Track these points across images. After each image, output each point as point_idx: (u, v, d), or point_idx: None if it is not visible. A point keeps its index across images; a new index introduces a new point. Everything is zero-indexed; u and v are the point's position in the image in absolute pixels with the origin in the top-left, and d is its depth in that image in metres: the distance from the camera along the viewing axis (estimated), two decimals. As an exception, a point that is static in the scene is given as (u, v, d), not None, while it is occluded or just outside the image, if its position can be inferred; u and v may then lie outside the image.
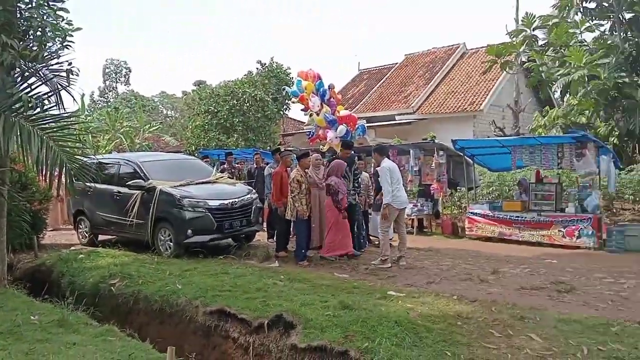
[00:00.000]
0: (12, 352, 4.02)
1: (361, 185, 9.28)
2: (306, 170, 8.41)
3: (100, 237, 10.54)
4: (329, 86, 10.11)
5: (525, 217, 10.18)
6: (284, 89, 18.21)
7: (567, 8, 12.66)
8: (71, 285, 7.56)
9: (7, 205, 7.35)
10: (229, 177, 10.84)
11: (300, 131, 25.46)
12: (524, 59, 14.08)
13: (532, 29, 13.27)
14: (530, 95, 21.16)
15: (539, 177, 10.96)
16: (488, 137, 17.47)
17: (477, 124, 21.33)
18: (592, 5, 12.65)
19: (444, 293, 6.08)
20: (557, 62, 12.47)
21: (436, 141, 13.43)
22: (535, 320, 4.92)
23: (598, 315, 5.11)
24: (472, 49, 25.56)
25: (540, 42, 13.45)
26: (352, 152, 9.12)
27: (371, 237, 9.95)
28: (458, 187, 12.99)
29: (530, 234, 10.02)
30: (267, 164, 11.47)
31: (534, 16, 13.22)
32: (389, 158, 8.44)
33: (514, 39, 13.48)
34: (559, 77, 11.97)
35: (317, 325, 4.79)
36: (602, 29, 13.22)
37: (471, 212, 11.14)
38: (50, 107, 6.74)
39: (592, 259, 8.45)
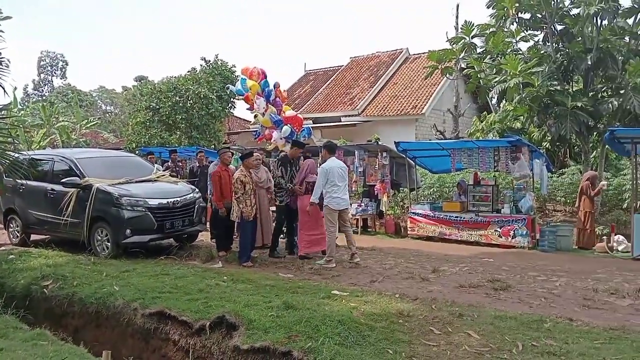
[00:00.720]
0: None
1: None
2: (250, 170, 8.31)
3: (33, 237, 10.02)
4: (274, 85, 10.02)
5: (464, 218, 10.53)
6: (228, 88, 17.92)
7: (504, 18, 13.18)
8: (0, 288, 7.13)
9: None
10: (171, 176, 10.57)
11: (246, 130, 25.20)
12: (463, 66, 14.56)
13: (470, 36, 13.72)
14: (469, 101, 21.95)
15: (477, 179, 11.37)
16: (429, 140, 17.97)
17: (419, 127, 21.87)
18: (527, 16, 13.22)
19: (386, 292, 6.18)
20: (494, 69, 12.96)
21: (380, 143, 13.68)
22: (473, 318, 5.08)
23: (532, 312, 5.33)
24: (414, 54, 26.18)
25: (479, 50, 13.94)
26: (301, 151, 9.10)
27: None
28: (401, 188, 13.27)
29: (469, 233, 10.38)
30: (211, 162, 11.27)
31: (473, 24, 13.69)
32: (336, 157, 8.50)
33: (454, 45, 13.90)
34: (495, 84, 12.45)
35: (260, 326, 4.74)
36: (536, 39, 13.86)
37: (413, 212, 11.41)
38: (-22, 100, 6.33)
39: (526, 257, 8.85)
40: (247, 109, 10.36)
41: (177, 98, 21.30)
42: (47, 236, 10.01)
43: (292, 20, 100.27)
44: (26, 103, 38.23)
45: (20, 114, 26.46)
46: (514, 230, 9.80)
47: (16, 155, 6.89)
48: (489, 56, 13.68)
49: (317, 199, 8.01)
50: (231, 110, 25.12)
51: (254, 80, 9.83)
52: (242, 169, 8.29)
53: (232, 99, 23.20)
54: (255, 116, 9.95)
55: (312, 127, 15.91)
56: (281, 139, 9.80)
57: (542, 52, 13.08)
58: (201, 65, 24.81)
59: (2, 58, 6.31)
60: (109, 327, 5.99)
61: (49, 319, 6.24)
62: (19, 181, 8.88)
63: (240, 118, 30.30)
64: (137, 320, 5.70)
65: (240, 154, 9.37)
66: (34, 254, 8.30)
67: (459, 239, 10.48)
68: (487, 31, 13.45)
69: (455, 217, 10.67)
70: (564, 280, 7.01)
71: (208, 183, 10.56)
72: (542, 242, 9.70)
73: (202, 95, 21.51)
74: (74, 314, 6.33)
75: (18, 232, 10.00)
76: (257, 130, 10.38)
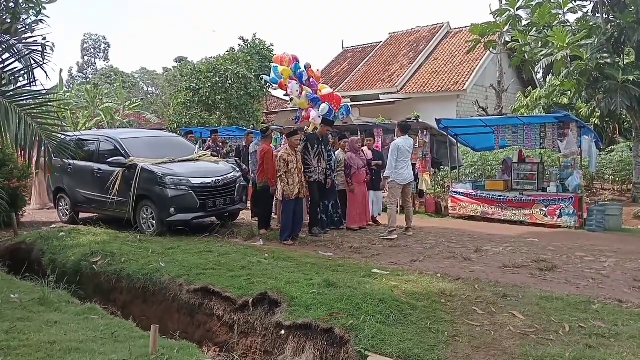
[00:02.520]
0: (-8, 332, 3.95)
1: (334, 164, 9.28)
2: (295, 149, 8.31)
3: (82, 215, 10.38)
4: (305, 66, 9.93)
5: (508, 197, 10.27)
6: (262, 78, 17.92)
7: (551, -12, 12.61)
8: (52, 264, 7.45)
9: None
10: (212, 155, 10.72)
11: (284, 109, 25.22)
12: (507, 39, 14.04)
13: (515, 8, 13.17)
14: (513, 76, 21.27)
15: (522, 157, 11.04)
16: (471, 117, 17.54)
17: (461, 104, 21.39)
18: (576, -15, 12.64)
19: (427, 271, 6.13)
20: (540, 42, 12.43)
21: (420, 120, 13.43)
22: (517, 298, 4.98)
23: (579, 293, 5.19)
24: (455, 29, 25.49)
25: (524, 22, 13.38)
26: (330, 129, 9.09)
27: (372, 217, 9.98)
28: (442, 166, 13.05)
29: (513, 213, 10.13)
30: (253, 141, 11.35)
31: (519, -5, 13.16)
32: (408, 136, 8.92)
33: (497, 18, 13.38)
34: (541, 58, 11.96)
35: (302, 303, 4.79)
36: (584, 10, 13.21)
37: (454, 191, 11.21)
38: (25, 84, 6.53)
39: (573, 237, 8.58)
40: (283, 95, 10.36)
41: (217, 78, 21.46)
42: (95, 214, 10.35)
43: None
44: (71, 85, 39.36)
45: (66, 96, 27.25)
46: (560, 210, 9.51)
47: (63, 136, 7.07)
48: (534, 29, 13.14)
49: (390, 174, 8.54)
50: (269, 90, 25.18)
51: (285, 66, 9.78)
52: (286, 147, 8.31)
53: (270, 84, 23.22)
54: (291, 100, 9.93)
55: (350, 105, 15.76)
56: (319, 117, 9.75)
57: (591, 23, 12.46)
58: (239, 45, 24.91)
59: (47, 42, 6.47)
60: (155, 302, 6.17)
61: (99, 294, 6.48)
62: (66, 161, 9.16)
63: (278, 98, 30.34)
64: (183, 296, 5.85)
65: (279, 133, 9.41)
66: (83, 231, 8.60)
67: (503, 218, 10.24)
68: (533, 2, 12.88)
69: (499, 196, 10.42)
70: (612, 260, 6.77)
71: (250, 162, 10.65)
72: (590, 222, 9.38)
73: (240, 75, 21.62)
74: (122, 289, 6.55)
75: (67, 210, 10.37)
76: (297, 116, 10.35)
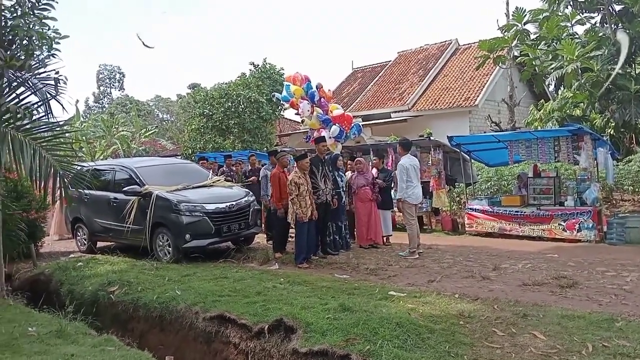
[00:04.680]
0: (9, 366, 3.97)
1: (345, 186, 9.35)
2: (305, 172, 8.34)
3: (99, 244, 10.47)
4: (316, 86, 10.02)
5: (525, 212, 10.13)
6: (274, 96, 18.13)
7: (557, 1, 12.59)
8: (70, 294, 7.50)
9: (3, 215, 7.29)
10: (226, 180, 10.78)
11: (297, 131, 25.37)
12: (516, 54, 14.01)
13: (523, 23, 13.20)
14: (524, 89, 21.15)
15: (537, 171, 10.92)
16: (485, 132, 17.44)
17: (473, 119, 21.30)
18: (582, -3, 12.62)
19: (445, 292, 6.04)
20: (549, 55, 12.40)
21: (432, 137, 13.40)
22: (538, 317, 4.88)
23: (601, 311, 5.06)
24: (464, 45, 25.53)
25: (532, 36, 13.37)
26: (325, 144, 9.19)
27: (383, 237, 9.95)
28: (456, 183, 12.94)
29: (531, 228, 9.97)
30: (263, 165, 11.41)
31: (525, 10, 13.17)
32: (410, 154, 9.05)
33: (505, 33, 13.41)
34: (552, 71, 11.91)
35: (317, 329, 4.74)
36: (592, 21, 13.17)
37: (470, 208, 11.10)
38: (40, 117, 6.67)
39: (594, 252, 8.41)
40: (295, 114, 10.45)
41: (229, 103, 21.70)
42: (112, 243, 10.43)
43: (338, 19, 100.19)
44: (88, 115, 40.13)
45: (83, 127, 27.74)
46: (579, 224, 9.34)
47: (78, 166, 7.18)
48: (543, 42, 13.12)
49: (402, 195, 8.61)
50: (281, 113, 25.39)
51: (297, 85, 9.88)
52: (296, 170, 8.34)
53: (281, 102, 23.45)
54: (303, 121, 10.02)
55: (362, 124, 15.81)
56: (330, 138, 9.80)
57: (600, 34, 12.41)
58: (250, 70, 25.21)
59: (60, 76, 6.61)
60: (172, 330, 6.16)
61: (116, 324, 6.49)
62: (83, 191, 9.28)
63: (290, 120, 30.55)
64: (199, 324, 5.84)
65: (293, 156, 9.47)
66: (101, 260, 8.67)
67: (520, 234, 10.09)
68: (540, 16, 12.90)
69: (516, 211, 10.28)
70: (635, 275, 6.60)
71: (261, 185, 10.70)
72: (610, 235, 9.19)
73: (252, 100, 21.84)
74: (139, 318, 6.55)
75: (85, 239, 10.48)
76: (307, 134, 10.42)
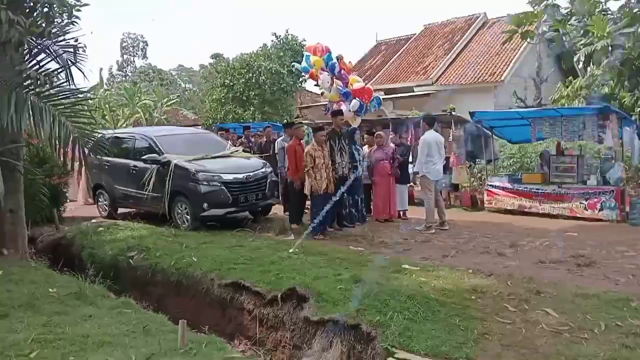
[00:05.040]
0: (30, 325, 4.11)
1: (362, 159, 9.30)
2: (322, 144, 8.31)
3: (120, 210, 10.66)
4: (337, 57, 9.88)
5: (546, 190, 9.97)
6: (293, 66, 18.01)
7: (592, -25, 12.14)
8: (91, 258, 7.71)
9: (26, 180, 7.46)
10: (245, 151, 10.82)
11: (318, 103, 25.19)
12: (545, 29, 13.59)
13: (553, -3, 12.80)
14: (553, 66, 20.57)
15: (560, 149, 10.71)
16: (510, 108, 17.09)
17: (498, 95, 20.86)
18: (619, -29, 12.12)
19: (459, 267, 6.01)
20: (580, 31, 12.01)
21: (455, 113, 13.18)
22: (552, 295, 4.84)
23: (617, 290, 4.99)
24: (492, 19, 24.83)
25: (563, 11, 12.93)
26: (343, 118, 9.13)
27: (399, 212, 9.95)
28: (477, 159, 12.78)
29: (551, 206, 9.83)
30: (280, 137, 11.42)
31: (557, -16, 12.74)
32: (434, 129, 9.00)
33: (535, 7, 12.99)
34: (581, 47, 11.55)
35: (329, 299, 4.80)
36: (628, -3, 12.66)
37: (490, 185, 10.97)
38: (61, 83, 6.73)
39: (614, 231, 8.27)
40: (314, 85, 10.35)
41: (250, 74, 21.67)
42: (133, 209, 10.61)
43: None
44: (112, 83, 40.47)
45: (106, 94, 28.00)
46: (601, 203, 9.16)
47: (98, 134, 7.27)
48: (574, 17, 12.70)
49: (420, 169, 8.62)
50: (302, 85, 25.24)
51: (318, 56, 9.76)
52: (313, 143, 8.34)
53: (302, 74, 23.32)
54: (322, 93, 9.92)
55: (384, 98, 15.62)
56: (350, 111, 9.71)
57: (635, 11, 11.93)
58: (272, 41, 25.04)
59: (79, 44, 6.65)
60: (188, 296, 6.30)
61: (135, 288, 6.64)
62: (104, 158, 9.43)
63: (311, 92, 30.33)
64: (215, 290, 5.95)
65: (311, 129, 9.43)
66: (121, 226, 8.83)
67: (541, 212, 9.95)
68: (572, -10, 12.46)
69: (537, 189, 10.12)
70: (656, 256, 6.49)
71: (278, 157, 10.70)
72: (633, 215, 9.00)
73: (273, 71, 21.76)
74: (157, 283, 6.71)
75: (106, 205, 10.67)
76: (326, 106, 10.35)
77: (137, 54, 52.46)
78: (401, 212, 9.90)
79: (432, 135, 8.73)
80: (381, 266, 5.95)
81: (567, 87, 17.17)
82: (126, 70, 51.42)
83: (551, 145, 11.90)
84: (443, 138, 9.31)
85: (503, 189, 10.65)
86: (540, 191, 10.05)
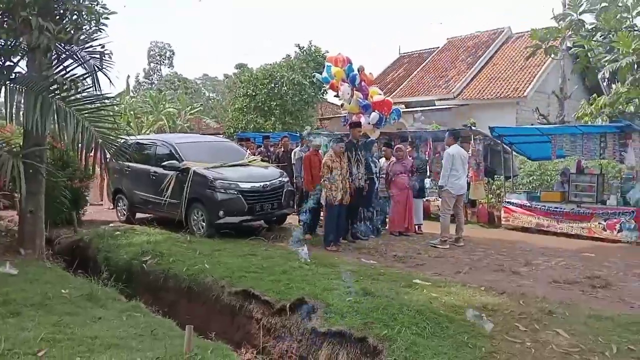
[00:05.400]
0: (40, 324, 4.18)
1: (379, 172, 9.37)
2: (340, 155, 8.33)
3: (138, 215, 10.81)
4: (358, 69, 9.90)
5: (564, 209, 9.82)
6: (314, 76, 18.14)
7: (618, -10, 11.94)
8: (106, 261, 7.81)
9: (49, 183, 7.63)
10: (263, 160, 10.91)
11: (338, 115, 25.25)
12: (569, 44, 13.41)
13: (578, 12, 12.59)
14: (577, 82, 20.31)
15: (580, 167, 10.54)
16: (532, 124, 16.89)
17: (521, 111, 20.67)
18: (647, -13, 11.89)
19: (471, 284, 5.95)
20: (605, 47, 11.82)
21: (475, 128, 13.10)
22: (564, 316, 4.75)
23: (632, 313, 4.89)
24: (517, 34, 24.68)
25: (588, 27, 12.74)
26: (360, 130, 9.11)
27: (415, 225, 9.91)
28: (496, 176, 12.65)
29: (569, 225, 9.66)
30: (297, 146, 11.49)
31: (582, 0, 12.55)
32: (458, 144, 8.98)
33: (559, 23, 12.82)
34: (606, 64, 11.36)
35: (337, 311, 4.78)
36: (657, 13, 12.42)
37: (508, 202, 10.85)
38: (86, 89, 6.90)
39: (633, 253, 8.08)
40: (334, 96, 10.38)
41: (272, 85, 21.87)
42: (150, 215, 10.75)
43: (386, 3, 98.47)
44: (138, 91, 41.20)
45: (132, 101, 28.56)
46: (620, 224, 8.97)
47: (120, 139, 7.43)
48: (599, 33, 12.51)
49: (444, 183, 8.55)
50: (323, 96, 25.38)
51: (339, 67, 9.80)
52: (331, 153, 8.37)
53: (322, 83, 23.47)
54: (342, 104, 9.95)
55: (404, 111, 15.55)
56: (369, 124, 9.71)
57: (663, 27, 11.73)
58: (295, 52, 25.27)
59: (105, 50, 6.82)
60: (199, 302, 6.34)
61: (147, 292, 6.71)
62: (125, 164, 9.59)
63: (332, 103, 30.46)
64: (225, 298, 5.98)
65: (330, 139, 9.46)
66: (138, 231, 8.95)
67: (558, 231, 9.79)
68: (598, 6, 12.27)
69: (555, 207, 9.97)
70: (676, 280, 6.33)
71: (295, 167, 10.76)
72: (653, 237, 8.80)
73: (295, 82, 21.94)
74: (169, 288, 6.77)
75: (125, 210, 10.84)
76: (345, 117, 10.37)
77: (163, 62, 53.38)
78: (416, 226, 9.85)
79: (457, 149, 8.73)
80: (392, 280, 5.92)
81: (591, 104, 16.90)
82: (152, 78, 52.34)
83: (571, 163, 11.71)
84: (467, 152, 9.33)
85: (521, 206, 10.52)
86: (558, 210, 9.90)
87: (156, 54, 53.04)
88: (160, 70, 53.34)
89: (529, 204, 10.40)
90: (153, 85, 48.32)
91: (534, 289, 5.87)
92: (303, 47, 24.95)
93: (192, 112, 31.05)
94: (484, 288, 5.75)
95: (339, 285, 5.54)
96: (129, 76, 31.12)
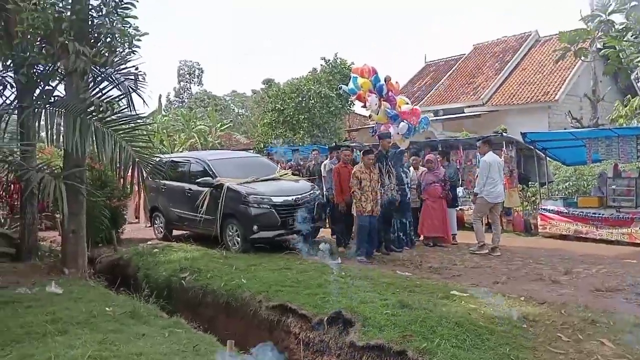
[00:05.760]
0: (87, 341, 4.31)
1: (410, 182, 9.33)
2: (370, 167, 8.36)
3: (174, 232, 11.03)
4: (385, 79, 9.93)
5: (603, 214, 9.58)
6: (340, 88, 18.26)
7: (648, -11, 11.72)
8: (146, 278, 8.00)
9: (88, 202, 7.88)
10: (293, 174, 11.01)
11: (366, 126, 25.28)
12: (599, 46, 13.16)
13: (607, 13, 12.38)
14: (610, 83, 19.87)
15: (617, 171, 10.29)
16: (565, 129, 16.58)
17: (552, 115, 20.32)
18: (678, -17, 11.64)
19: (510, 294, 5.87)
20: (637, 47, 11.58)
21: (506, 134, 12.94)
22: (608, 325, 4.64)
23: (680, 322, 4.74)
24: (545, 37, 24.34)
25: (618, 27, 12.49)
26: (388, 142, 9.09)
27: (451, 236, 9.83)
28: (530, 182, 12.44)
29: (609, 232, 9.42)
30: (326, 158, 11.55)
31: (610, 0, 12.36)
32: (493, 151, 9.07)
33: (588, 24, 12.63)
34: (639, 64, 11.12)
35: (375, 324, 4.78)
36: (688, 9, 12.12)
37: (544, 209, 10.64)
38: (122, 109, 7.14)
39: (678, 259, 7.83)
40: (361, 106, 10.44)
41: (300, 98, 22.08)
42: (186, 231, 10.95)
43: (411, 13, 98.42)
44: (169, 109, 42.07)
45: (164, 120, 29.21)
46: (663, 228, 8.72)
47: (155, 158, 7.63)
48: (630, 33, 12.26)
49: (479, 190, 8.63)
50: (351, 108, 25.45)
51: (365, 78, 9.86)
52: (360, 164, 8.41)
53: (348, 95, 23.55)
54: (370, 116, 10.00)
55: (433, 119, 15.48)
56: (398, 134, 9.72)
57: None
58: (321, 65, 25.45)
59: (139, 72, 7.05)
60: (237, 317, 6.43)
61: (186, 308, 6.84)
62: (161, 182, 9.82)
63: (359, 115, 30.51)
64: (262, 312, 6.05)
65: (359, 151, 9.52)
66: (175, 248, 9.14)
67: (597, 237, 9.54)
68: (627, 5, 12.05)
69: (593, 213, 9.74)
70: None
71: (326, 180, 10.81)
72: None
73: (322, 95, 22.09)
74: (208, 304, 6.88)
75: (162, 228, 11.07)
76: (373, 127, 10.41)
77: (193, 80, 54.41)
78: (450, 236, 9.75)
79: (492, 156, 8.77)
80: (429, 292, 5.89)
81: (626, 105, 16.51)
82: (183, 97, 53.36)
83: (608, 167, 11.44)
84: (502, 159, 9.35)
85: (558, 213, 10.31)
86: (597, 215, 9.66)
87: (185, 73, 54.11)
88: (190, 88, 54.38)
89: (566, 211, 10.19)
90: (184, 104, 49.28)
91: (575, 297, 5.74)
92: (329, 60, 25.13)
93: (222, 128, 31.51)
94: (523, 298, 5.67)
95: (376, 297, 5.55)
96: (160, 95, 31.81)
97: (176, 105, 48.97)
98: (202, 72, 54.86)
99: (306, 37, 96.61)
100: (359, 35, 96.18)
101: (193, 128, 29.04)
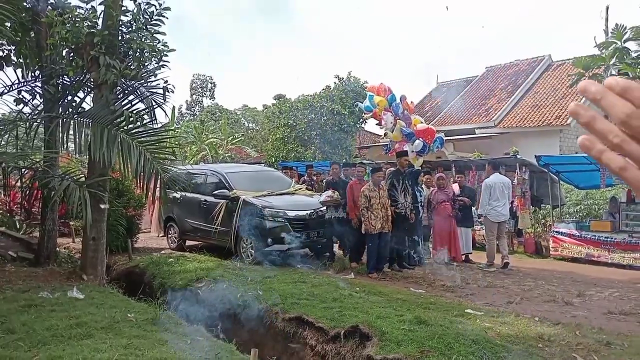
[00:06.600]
0: (112, 346, 4.41)
1: (423, 200, 9.49)
2: (379, 185, 8.48)
3: (188, 243, 11.15)
4: (400, 98, 10.12)
5: (616, 238, 9.63)
6: (356, 105, 18.46)
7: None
8: (162, 287, 8.10)
9: (107, 211, 8.04)
10: (307, 189, 11.14)
11: (377, 144, 25.43)
12: (614, 72, 13.28)
13: (622, 40, 12.50)
14: (623, 109, 19.89)
15: (630, 196, 10.34)
16: (576, 153, 16.65)
17: (564, 139, 20.37)
18: (695, 13, 11.79)
19: (524, 314, 5.94)
20: (652, 75, 11.68)
21: (519, 156, 13.04)
22: (622, 347, 4.70)
23: (695, 346, 4.79)
24: (557, 61, 24.48)
25: (633, 54, 12.61)
26: (406, 160, 9.20)
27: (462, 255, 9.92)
28: (542, 205, 12.50)
29: (621, 256, 9.46)
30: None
31: (626, 27, 12.47)
32: (499, 172, 9.54)
33: (603, 51, 12.74)
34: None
35: (392, 339, 4.85)
36: None
37: (556, 231, 10.69)
38: (147, 122, 7.32)
39: (691, 285, 7.85)
40: (376, 124, 10.61)
41: (312, 115, 22.30)
42: (200, 242, 11.07)
43: (424, 33, 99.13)
44: (180, 122, 42.47)
45: (176, 132, 29.49)
46: (675, 254, 8.75)
47: (176, 169, 7.79)
48: (645, 61, 12.37)
49: (483, 212, 9.19)
50: (362, 125, 25.65)
51: (381, 96, 10.04)
52: (370, 183, 8.54)
53: (363, 114, 23.74)
54: (385, 134, 10.15)
55: (444, 139, 15.57)
56: (412, 152, 9.86)
57: None
58: (335, 83, 25.72)
59: (168, 85, 7.25)
60: (253, 327, 6.50)
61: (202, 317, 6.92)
62: (178, 192, 9.98)
63: (370, 132, 30.69)
64: (278, 324, 6.13)
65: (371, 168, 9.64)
66: (189, 258, 9.26)
67: (609, 261, 9.59)
68: (643, 34, 12.18)
69: (606, 237, 9.79)
70: None
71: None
72: None
73: (335, 112, 22.30)
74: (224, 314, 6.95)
75: (176, 238, 11.21)
76: (387, 145, 10.55)
77: (205, 94, 54.99)
78: (464, 255, 9.81)
79: (496, 178, 9.05)
80: (443, 309, 5.96)
81: None
82: (194, 110, 53.90)
83: (620, 192, 11.50)
84: (509, 180, 9.60)
85: (570, 236, 10.36)
86: (609, 240, 9.71)
87: (198, 86, 54.73)
88: (202, 101, 54.93)
89: (578, 234, 10.24)
90: (195, 116, 49.76)
91: (589, 320, 5.80)
92: (342, 78, 25.42)
93: (233, 142, 31.77)
94: (537, 318, 5.73)
95: (392, 313, 5.63)
96: (173, 107, 32.03)
97: (188, 118, 49.46)
98: (214, 86, 55.47)
99: (318, 54, 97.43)
100: (371, 53, 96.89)
101: (205, 141, 29.32)
